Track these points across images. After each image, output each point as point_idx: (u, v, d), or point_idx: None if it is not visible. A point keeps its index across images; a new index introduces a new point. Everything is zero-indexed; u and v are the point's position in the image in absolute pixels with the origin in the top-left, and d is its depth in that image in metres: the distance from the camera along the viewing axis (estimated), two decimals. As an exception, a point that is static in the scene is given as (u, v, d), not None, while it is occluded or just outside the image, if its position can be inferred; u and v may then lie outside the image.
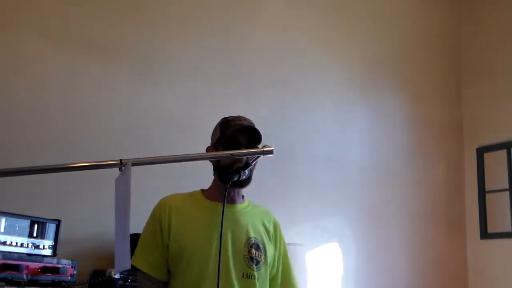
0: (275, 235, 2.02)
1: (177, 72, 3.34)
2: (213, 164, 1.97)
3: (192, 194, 1.99)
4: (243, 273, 1.85)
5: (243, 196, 2.02)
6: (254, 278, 1.87)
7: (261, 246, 1.92)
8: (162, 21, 3.35)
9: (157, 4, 3.36)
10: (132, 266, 1.70)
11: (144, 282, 1.88)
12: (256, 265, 1.89)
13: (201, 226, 1.89)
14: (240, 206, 1.98)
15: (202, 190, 2.01)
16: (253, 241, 1.91)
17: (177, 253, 1.85)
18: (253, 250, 1.89)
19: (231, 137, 1.90)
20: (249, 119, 1.97)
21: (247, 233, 1.92)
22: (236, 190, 1.94)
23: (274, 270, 1.99)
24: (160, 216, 1.90)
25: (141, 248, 1.90)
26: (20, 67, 2.81)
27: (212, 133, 2.01)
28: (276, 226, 2.04)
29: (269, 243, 1.97)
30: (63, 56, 2.93)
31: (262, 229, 1.97)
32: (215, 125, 2.01)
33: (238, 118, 1.95)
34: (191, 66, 3.41)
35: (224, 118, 1.98)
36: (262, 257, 1.91)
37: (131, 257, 1.49)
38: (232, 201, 1.94)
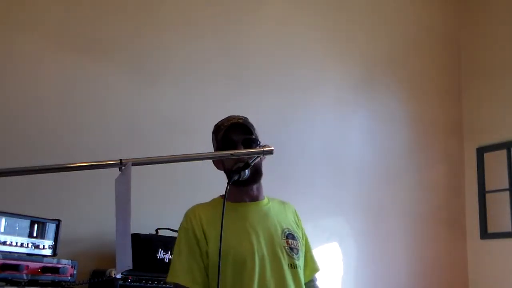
0: (299, 224, 2.06)
1: (176, 71, 3.34)
2: (224, 171, 1.98)
3: (213, 201, 1.99)
4: (289, 264, 1.89)
5: None
6: (297, 267, 1.91)
7: (295, 235, 1.96)
8: (160, 21, 3.35)
9: (155, 4, 3.36)
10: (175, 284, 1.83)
11: None
12: (297, 254, 1.92)
13: (235, 227, 1.88)
14: (264, 202, 2.01)
15: (221, 196, 2.00)
16: (287, 232, 1.95)
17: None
18: (290, 240, 1.93)
19: (225, 140, 1.91)
20: (239, 116, 1.98)
21: (280, 225, 1.95)
22: (255, 187, 1.97)
23: None
24: (192, 228, 1.88)
25: (179, 263, 1.86)
26: (18, 67, 2.81)
27: (212, 145, 2.02)
28: (298, 215, 2.08)
29: (298, 232, 2.01)
30: (61, 56, 2.93)
31: (291, 219, 2.02)
32: (212, 131, 2.01)
33: (227, 119, 1.97)
34: (189, 66, 3.41)
35: (215, 126, 2.00)
36: (299, 244, 1.95)
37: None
38: (256, 199, 1.98)
